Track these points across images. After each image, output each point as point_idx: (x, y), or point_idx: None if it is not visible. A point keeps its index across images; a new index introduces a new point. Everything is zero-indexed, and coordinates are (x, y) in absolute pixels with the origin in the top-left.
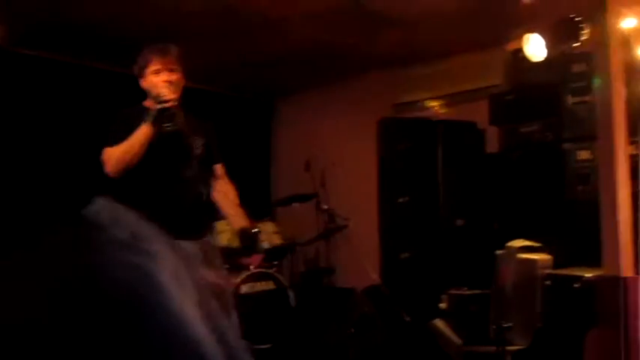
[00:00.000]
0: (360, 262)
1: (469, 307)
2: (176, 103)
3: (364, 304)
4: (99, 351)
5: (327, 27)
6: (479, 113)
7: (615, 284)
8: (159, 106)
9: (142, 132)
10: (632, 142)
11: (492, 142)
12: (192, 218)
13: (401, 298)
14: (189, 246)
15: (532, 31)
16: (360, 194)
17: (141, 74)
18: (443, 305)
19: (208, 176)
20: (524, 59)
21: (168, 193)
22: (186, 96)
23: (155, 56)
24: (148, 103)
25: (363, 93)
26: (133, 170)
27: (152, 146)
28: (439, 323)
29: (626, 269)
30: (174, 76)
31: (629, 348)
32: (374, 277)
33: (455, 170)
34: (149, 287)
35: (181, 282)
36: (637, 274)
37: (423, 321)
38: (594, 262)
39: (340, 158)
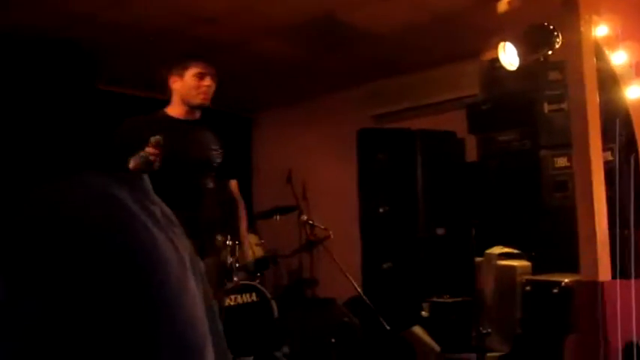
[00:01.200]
0: (342, 273)
1: (450, 314)
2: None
3: (345, 314)
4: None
5: (304, 41)
6: (457, 123)
7: (593, 289)
8: (142, 163)
9: None
10: (607, 149)
11: (471, 151)
12: (210, 228)
13: (383, 307)
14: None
15: (506, 40)
16: (340, 205)
17: (177, 73)
18: (424, 313)
19: (225, 188)
20: (500, 68)
21: (189, 203)
22: None
23: (198, 59)
24: (171, 110)
25: (342, 105)
26: (153, 176)
27: (174, 154)
28: (418, 330)
29: (603, 274)
30: (213, 84)
31: (607, 353)
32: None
33: (434, 179)
34: (182, 283)
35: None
36: (614, 278)
37: (405, 329)
38: (572, 267)
39: (321, 170)
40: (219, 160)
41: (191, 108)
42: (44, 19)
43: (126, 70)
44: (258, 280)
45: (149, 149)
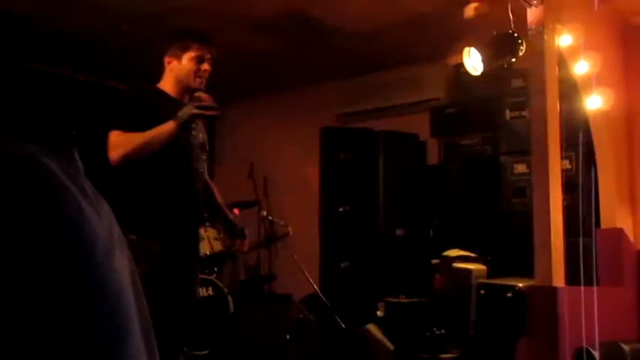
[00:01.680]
0: (300, 270)
1: (405, 314)
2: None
3: (301, 310)
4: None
5: (273, 35)
6: (420, 125)
7: (546, 294)
8: (196, 112)
9: (168, 132)
10: (565, 157)
11: (433, 154)
12: (197, 210)
13: (339, 305)
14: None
15: (471, 45)
16: (301, 202)
17: (174, 54)
18: (379, 313)
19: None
20: (465, 73)
21: (178, 184)
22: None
23: (199, 42)
24: (164, 87)
25: (307, 102)
26: (155, 161)
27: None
28: (372, 328)
29: (557, 280)
30: (209, 68)
31: (558, 358)
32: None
33: (395, 181)
34: (109, 251)
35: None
36: (575, 284)
37: (359, 328)
38: (528, 272)
39: (283, 166)
40: (204, 143)
41: (184, 91)
42: (24, 3)
43: (99, 59)
44: (215, 275)
45: (202, 95)
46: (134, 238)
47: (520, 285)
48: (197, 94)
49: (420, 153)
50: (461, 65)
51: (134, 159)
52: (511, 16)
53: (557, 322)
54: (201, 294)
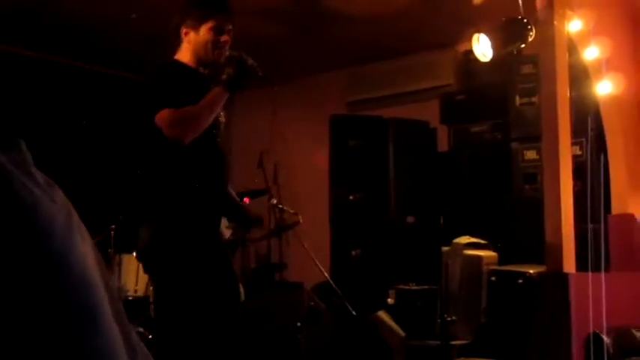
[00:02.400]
0: (311, 258)
1: (416, 302)
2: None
3: (312, 298)
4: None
5: (282, 23)
6: (430, 112)
7: (557, 280)
8: (239, 69)
9: (221, 98)
10: (575, 143)
11: (443, 141)
12: (224, 196)
13: (350, 293)
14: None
15: (480, 32)
16: (312, 190)
17: (191, 25)
18: (390, 300)
19: None
20: (475, 60)
21: (209, 164)
22: (140, 89)
23: (219, 12)
24: (183, 58)
25: (317, 90)
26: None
27: None
28: (383, 315)
29: (568, 266)
30: (229, 40)
31: (569, 343)
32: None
33: (406, 168)
34: (66, 234)
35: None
36: (585, 271)
37: (370, 315)
38: (539, 259)
39: (293, 154)
40: (223, 119)
41: (201, 64)
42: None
43: (109, 49)
44: None
45: (236, 53)
46: (167, 222)
47: (531, 271)
48: (231, 52)
49: (430, 140)
50: (470, 52)
51: (197, 132)
52: (520, 1)
53: (569, 308)
54: None
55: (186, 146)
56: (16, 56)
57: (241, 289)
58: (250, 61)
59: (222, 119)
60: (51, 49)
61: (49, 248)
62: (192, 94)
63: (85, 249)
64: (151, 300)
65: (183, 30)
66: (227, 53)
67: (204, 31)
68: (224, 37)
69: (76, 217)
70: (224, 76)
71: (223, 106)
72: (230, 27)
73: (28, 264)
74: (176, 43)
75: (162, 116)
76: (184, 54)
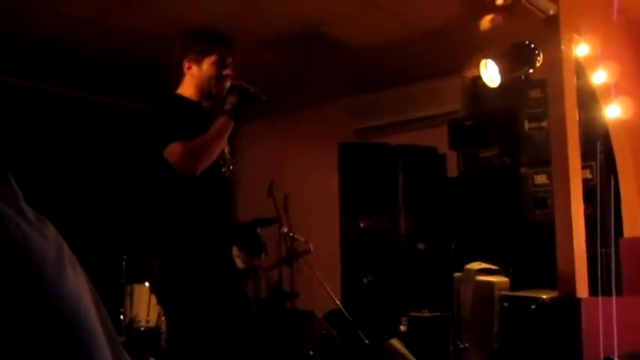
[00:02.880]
0: (322, 286)
1: (428, 329)
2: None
3: (324, 326)
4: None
5: (287, 53)
6: (438, 138)
7: (570, 305)
8: (243, 98)
9: (227, 126)
10: (585, 167)
11: (452, 167)
12: (232, 226)
13: (362, 321)
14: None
15: (488, 57)
16: (322, 218)
17: (194, 58)
18: (403, 327)
19: None
20: (483, 85)
21: (216, 195)
22: (144, 122)
23: (221, 46)
24: (187, 92)
25: (325, 118)
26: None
27: None
28: (395, 343)
29: (581, 291)
30: (231, 73)
31: None
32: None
33: (416, 194)
34: (56, 267)
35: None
36: (595, 295)
37: (383, 343)
38: (551, 284)
39: (303, 182)
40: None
41: (205, 97)
42: (51, 25)
43: (114, 78)
44: None
45: (237, 83)
46: (178, 254)
47: (544, 297)
48: (232, 82)
49: (440, 166)
50: (478, 77)
51: (207, 164)
52: (527, 26)
53: (582, 332)
54: None
55: (194, 178)
56: (26, 88)
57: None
58: (252, 89)
59: (227, 150)
60: (64, 81)
61: (40, 283)
62: (197, 128)
63: (77, 282)
64: (162, 330)
65: (186, 64)
66: (228, 85)
67: (207, 65)
68: (226, 71)
69: (67, 251)
70: (227, 106)
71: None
72: (231, 60)
73: (21, 300)
74: (178, 77)
75: (173, 150)
76: (187, 88)
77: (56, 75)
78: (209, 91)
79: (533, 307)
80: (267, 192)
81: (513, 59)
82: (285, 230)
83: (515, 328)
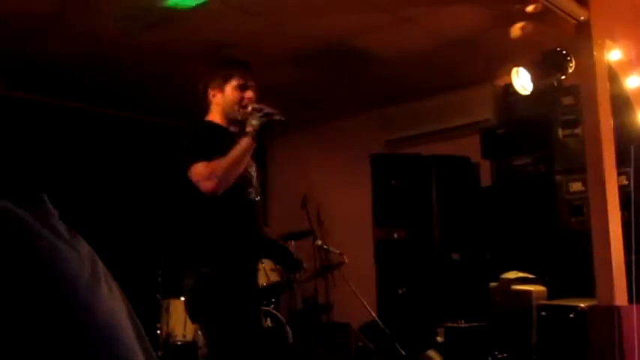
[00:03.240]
0: (357, 298)
1: (465, 339)
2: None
3: (360, 338)
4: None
5: (316, 67)
6: (470, 148)
7: (609, 313)
8: (264, 120)
9: (248, 147)
10: (621, 173)
11: (485, 176)
12: (258, 241)
13: (398, 332)
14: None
15: (519, 65)
16: (355, 230)
17: (217, 85)
18: (439, 338)
19: None
20: (514, 93)
21: (239, 214)
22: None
23: (239, 71)
24: (215, 118)
25: (356, 130)
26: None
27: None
28: (432, 354)
29: (619, 298)
30: (254, 95)
31: None
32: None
33: (449, 204)
34: (91, 285)
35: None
36: (631, 303)
37: (420, 354)
38: (588, 292)
39: (335, 195)
40: (255, 173)
41: (232, 122)
42: (76, 47)
43: (148, 97)
44: (272, 306)
45: (258, 106)
46: (207, 271)
47: (582, 305)
48: (253, 106)
49: (473, 175)
50: (510, 85)
51: (229, 183)
52: (558, 33)
53: (622, 341)
54: None
55: (219, 198)
56: (61, 108)
57: (289, 331)
58: (272, 111)
59: (254, 173)
60: (101, 100)
61: (74, 301)
62: (223, 151)
63: (111, 297)
64: (199, 345)
65: (211, 93)
66: (249, 108)
67: (230, 90)
68: (248, 94)
69: (101, 266)
70: (249, 128)
71: (254, 160)
72: (252, 83)
73: (54, 319)
74: (206, 105)
75: (196, 170)
76: (215, 115)
77: (91, 94)
78: (234, 115)
79: (571, 315)
80: (301, 205)
81: (545, 66)
82: (319, 243)
83: (554, 337)
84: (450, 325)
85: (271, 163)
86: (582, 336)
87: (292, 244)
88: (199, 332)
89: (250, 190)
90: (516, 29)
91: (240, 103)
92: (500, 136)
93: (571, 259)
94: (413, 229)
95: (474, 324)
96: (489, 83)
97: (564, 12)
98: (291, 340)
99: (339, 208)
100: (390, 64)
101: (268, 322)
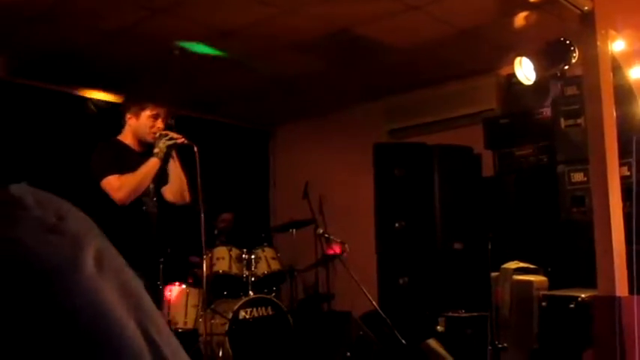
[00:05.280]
0: (358, 287)
1: (466, 329)
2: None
3: (361, 327)
4: (14, 322)
5: (321, 55)
6: (473, 138)
7: (610, 304)
8: (169, 143)
9: (155, 166)
10: (623, 164)
11: (488, 166)
12: (154, 245)
13: (399, 321)
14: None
15: (523, 55)
16: (357, 219)
17: (134, 112)
18: (440, 328)
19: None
20: (518, 83)
21: (134, 224)
22: (189, 125)
23: (154, 103)
24: (124, 139)
25: (359, 119)
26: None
27: None
28: (433, 343)
29: (621, 289)
30: (162, 125)
31: None
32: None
33: (451, 194)
34: (70, 267)
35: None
36: (631, 293)
37: (420, 343)
38: (589, 282)
39: (337, 183)
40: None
41: (141, 143)
42: (79, 36)
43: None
44: (274, 294)
45: (166, 132)
46: None
47: (583, 295)
48: (160, 132)
49: (475, 165)
50: (513, 75)
51: (136, 195)
52: (562, 23)
53: (623, 332)
54: (260, 313)
55: (119, 207)
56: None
57: (290, 320)
58: (176, 136)
59: (151, 186)
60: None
61: (48, 285)
62: (128, 167)
63: (99, 278)
64: (200, 332)
65: (127, 115)
66: (158, 134)
67: (144, 118)
68: (158, 123)
69: (95, 246)
70: (156, 150)
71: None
72: (163, 115)
73: (26, 301)
74: (120, 126)
75: (108, 182)
76: (126, 135)
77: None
78: (144, 139)
79: (572, 306)
80: (303, 194)
81: (549, 56)
82: (321, 232)
83: (555, 327)
84: (450, 314)
85: (274, 152)
86: (583, 326)
87: (293, 233)
88: (200, 320)
89: (145, 207)
90: (520, 19)
91: (151, 130)
92: (504, 126)
93: (572, 249)
94: (415, 219)
95: (475, 314)
96: (493, 73)
97: (568, 2)
98: (292, 329)
99: (341, 197)
100: (394, 53)
101: (269, 311)
